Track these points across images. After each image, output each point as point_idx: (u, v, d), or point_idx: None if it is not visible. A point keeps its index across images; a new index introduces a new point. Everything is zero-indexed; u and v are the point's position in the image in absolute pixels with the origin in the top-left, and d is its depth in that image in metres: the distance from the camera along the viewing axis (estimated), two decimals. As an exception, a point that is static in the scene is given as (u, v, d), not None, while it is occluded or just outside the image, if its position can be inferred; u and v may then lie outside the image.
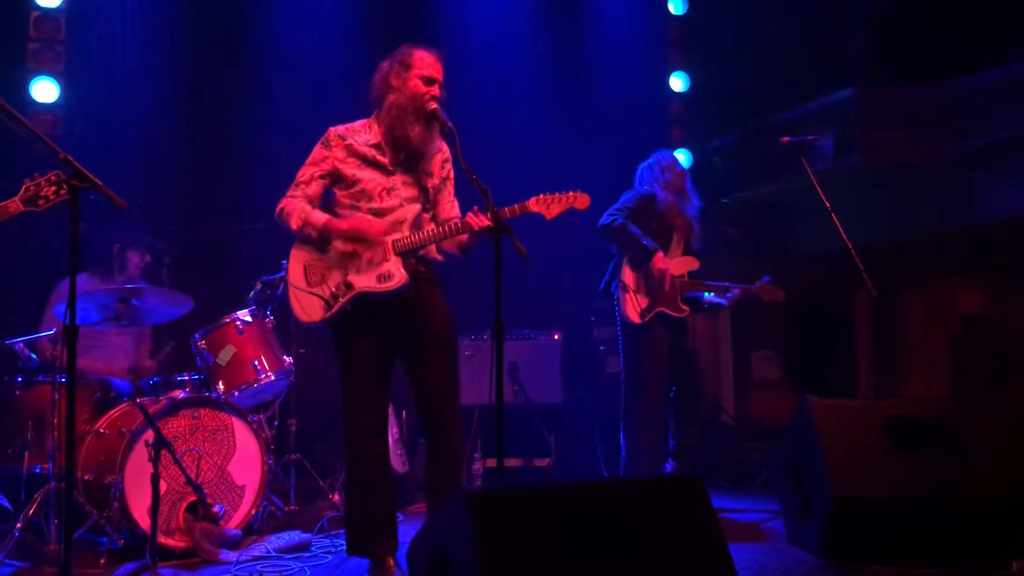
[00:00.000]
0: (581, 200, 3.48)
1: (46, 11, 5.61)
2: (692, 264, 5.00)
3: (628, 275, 4.90)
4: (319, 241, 3.48)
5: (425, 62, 3.50)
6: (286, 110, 6.10)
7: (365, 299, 3.44)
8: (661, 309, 4.87)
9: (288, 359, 4.76)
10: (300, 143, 5.85)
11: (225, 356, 4.56)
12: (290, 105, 6.10)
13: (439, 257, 3.63)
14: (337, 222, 3.46)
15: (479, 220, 3.34)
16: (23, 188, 2.95)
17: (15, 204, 2.98)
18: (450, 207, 3.66)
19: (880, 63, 6.51)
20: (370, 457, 3.50)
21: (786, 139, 4.46)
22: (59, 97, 5.60)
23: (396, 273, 3.44)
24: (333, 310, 3.45)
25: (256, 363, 4.59)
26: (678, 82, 7.02)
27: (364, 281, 3.44)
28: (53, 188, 2.94)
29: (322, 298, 3.46)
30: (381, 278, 3.42)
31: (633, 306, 4.87)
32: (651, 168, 5.10)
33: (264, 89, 6.09)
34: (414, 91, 3.47)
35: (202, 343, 4.61)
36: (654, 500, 2.56)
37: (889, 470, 3.43)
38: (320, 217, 3.47)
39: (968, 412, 3.62)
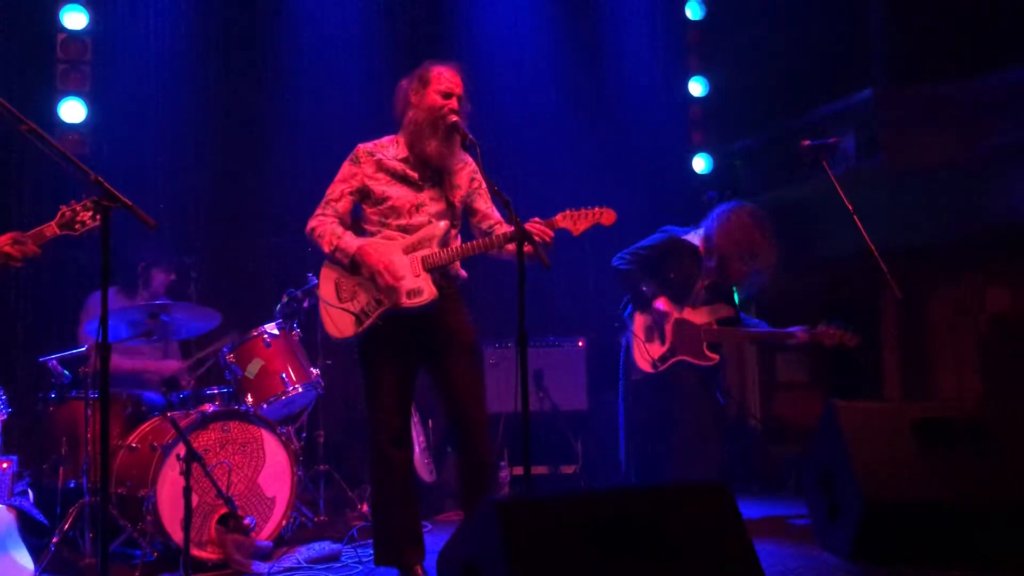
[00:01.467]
0: (607, 216, 3.50)
1: (73, 32, 5.70)
2: (724, 312, 4.83)
3: (638, 322, 4.82)
4: (349, 267, 3.51)
5: (443, 77, 3.52)
6: (311, 126, 6.16)
7: (395, 315, 3.46)
8: (683, 358, 4.75)
9: (315, 371, 4.80)
10: (325, 158, 5.91)
11: (253, 369, 4.61)
12: (315, 120, 6.15)
13: (463, 274, 3.66)
14: (367, 254, 3.45)
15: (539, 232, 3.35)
16: (59, 213, 3.03)
17: (51, 228, 3.07)
18: (491, 213, 3.68)
19: (901, 62, 6.48)
20: (395, 466, 3.53)
21: (807, 142, 4.46)
22: (86, 117, 5.68)
23: (426, 289, 3.46)
24: (364, 325, 3.47)
25: (284, 375, 4.63)
26: (697, 87, 7.03)
27: (393, 297, 3.46)
28: (89, 213, 3.03)
29: (353, 314, 3.49)
30: (411, 294, 3.45)
31: (643, 355, 4.76)
32: (716, 218, 4.80)
33: (289, 106, 6.17)
34: (431, 105, 3.49)
35: (230, 356, 4.66)
36: (682, 507, 2.56)
37: (919, 473, 3.40)
38: (351, 244, 3.49)
39: (999, 412, 3.59)
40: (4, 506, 3.79)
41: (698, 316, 4.82)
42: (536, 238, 3.32)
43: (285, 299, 4.89)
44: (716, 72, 7.06)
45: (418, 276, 3.47)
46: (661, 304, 4.76)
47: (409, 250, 3.50)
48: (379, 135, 3.69)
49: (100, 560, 2.71)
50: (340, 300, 3.52)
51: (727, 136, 7.13)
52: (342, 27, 6.33)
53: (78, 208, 3.04)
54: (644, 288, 4.78)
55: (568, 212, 3.47)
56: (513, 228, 3.31)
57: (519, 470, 5.37)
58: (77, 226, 3.04)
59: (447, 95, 3.50)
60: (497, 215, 3.68)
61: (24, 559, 3.60)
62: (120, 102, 5.84)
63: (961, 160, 6.01)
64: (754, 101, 7.07)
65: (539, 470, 5.82)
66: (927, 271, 6.55)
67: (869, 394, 6.67)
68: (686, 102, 7.01)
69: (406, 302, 3.45)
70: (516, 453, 5.65)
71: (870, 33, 6.64)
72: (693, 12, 7.05)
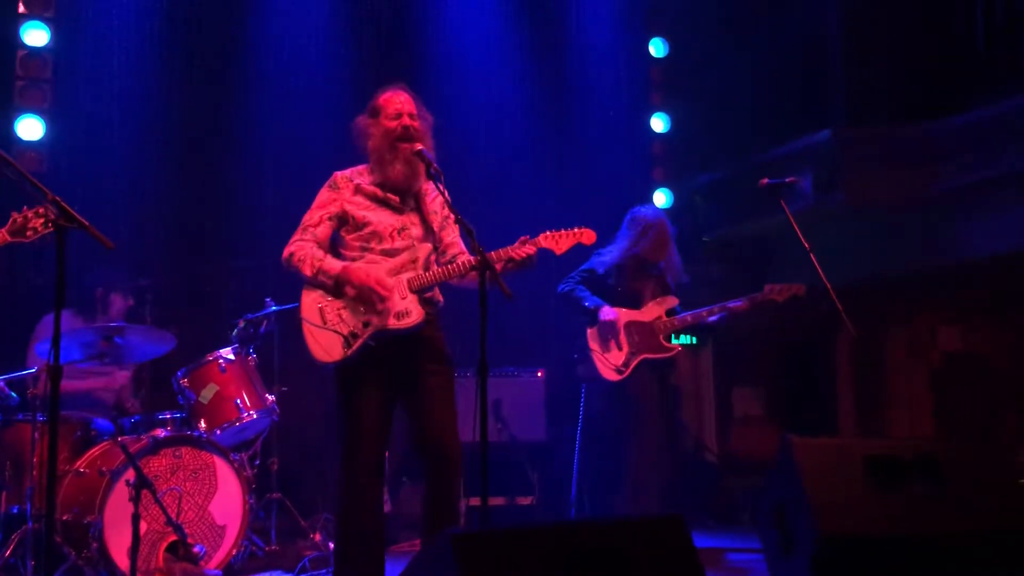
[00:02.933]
0: (588, 236, 3.52)
1: (33, 49, 5.63)
2: (670, 303, 5.06)
3: (591, 337, 4.96)
4: (333, 289, 3.46)
5: (391, 100, 3.57)
6: (273, 148, 6.13)
7: (383, 337, 3.41)
8: (644, 356, 4.91)
9: (271, 397, 4.74)
10: (287, 182, 5.94)
11: (207, 394, 4.53)
12: (277, 142, 6.13)
13: (441, 300, 3.64)
14: (352, 272, 3.41)
15: (519, 251, 3.40)
16: (11, 220, 2.95)
17: (2, 235, 2.98)
18: (456, 242, 3.69)
19: (858, 103, 6.64)
20: (371, 497, 3.45)
21: (766, 180, 4.53)
22: (44, 135, 5.61)
23: (414, 310, 3.43)
24: (354, 347, 3.39)
25: (238, 401, 4.57)
26: (659, 122, 7.13)
27: (382, 319, 3.42)
28: (41, 220, 2.94)
29: (341, 335, 3.42)
30: (399, 315, 3.41)
31: (605, 365, 4.90)
32: (628, 225, 5.14)
33: (251, 127, 6.12)
34: (386, 129, 3.54)
35: (184, 381, 4.58)
36: (637, 539, 2.56)
37: (873, 509, 3.43)
38: (334, 265, 3.45)
39: (950, 449, 3.64)
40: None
41: (646, 314, 4.98)
42: (516, 256, 3.37)
43: (242, 324, 4.83)
44: (678, 108, 7.17)
45: (404, 299, 3.44)
46: (605, 314, 4.89)
47: (393, 273, 3.47)
48: (343, 157, 3.70)
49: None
50: (325, 323, 3.44)
51: (688, 172, 7.23)
52: (307, 48, 6.34)
53: (30, 215, 2.94)
54: (586, 303, 4.93)
55: (550, 233, 3.49)
56: (477, 257, 3.31)
57: (475, 501, 5.33)
58: (29, 233, 2.93)
59: (397, 115, 3.54)
60: (461, 245, 3.69)
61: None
62: (80, 120, 5.78)
63: (916, 200, 6.15)
64: (715, 138, 7.18)
65: (496, 501, 5.78)
66: (882, 308, 6.66)
67: (825, 429, 6.74)
68: (648, 138, 7.10)
69: (395, 324, 3.41)
70: (473, 483, 5.61)
71: (829, 74, 6.80)
72: (656, 49, 7.17)
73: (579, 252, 4.74)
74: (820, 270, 4.23)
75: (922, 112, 6.21)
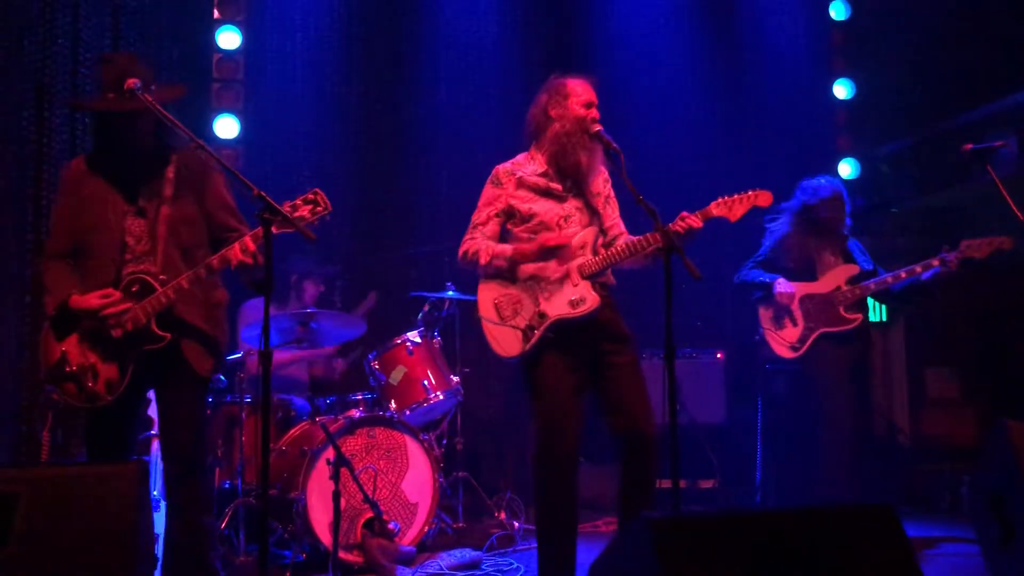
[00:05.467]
0: (764, 197, 3.37)
1: (227, 52, 5.98)
2: (850, 271, 4.83)
3: (763, 315, 4.86)
4: (509, 269, 3.48)
5: (580, 88, 3.55)
6: (447, 140, 6.30)
7: (561, 326, 3.41)
8: (823, 330, 4.72)
9: (455, 379, 4.86)
10: (461, 172, 6.07)
11: (397, 376, 4.70)
12: (451, 135, 6.29)
13: (613, 281, 3.61)
14: (524, 245, 3.45)
15: (686, 223, 3.32)
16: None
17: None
18: (616, 226, 3.65)
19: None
20: (567, 486, 3.43)
21: (970, 146, 4.21)
22: (239, 133, 5.96)
23: (588, 296, 3.42)
24: (532, 341, 3.40)
25: (426, 383, 4.71)
26: (842, 89, 6.79)
27: (557, 308, 3.42)
28: (308, 207, 3.06)
29: (519, 329, 3.43)
30: (574, 303, 3.41)
31: (779, 343, 4.78)
32: (798, 195, 4.98)
33: (426, 119, 6.32)
34: (576, 117, 3.50)
35: (375, 363, 4.77)
36: (846, 529, 2.44)
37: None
38: (507, 247, 3.49)
39: None
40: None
41: (823, 285, 4.79)
42: (681, 229, 3.28)
43: (426, 308, 4.99)
44: (862, 74, 6.80)
45: (577, 285, 3.43)
46: (780, 286, 4.75)
47: (563, 261, 3.46)
48: (513, 146, 3.71)
49: (260, 562, 2.81)
50: (502, 319, 3.47)
51: (874, 140, 6.86)
52: (479, 39, 6.45)
53: (298, 202, 3.06)
54: (762, 278, 4.82)
55: (722, 200, 3.37)
56: (661, 238, 3.25)
57: (664, 483, 5.28)
58: (297, 219, 3.02)
59: (588, 105, 3.51)
60: (621, 225, 3.64)
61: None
62: (269, 118, 6.10)
63: None
64: (902, 103, 6.78)
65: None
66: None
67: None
68: (831, 105, 6.78)
69: (571, 312, 3.40)
70: (660, 466, 5.57)
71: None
72: (838, 12, 6.82)
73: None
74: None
75: None
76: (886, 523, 2.51)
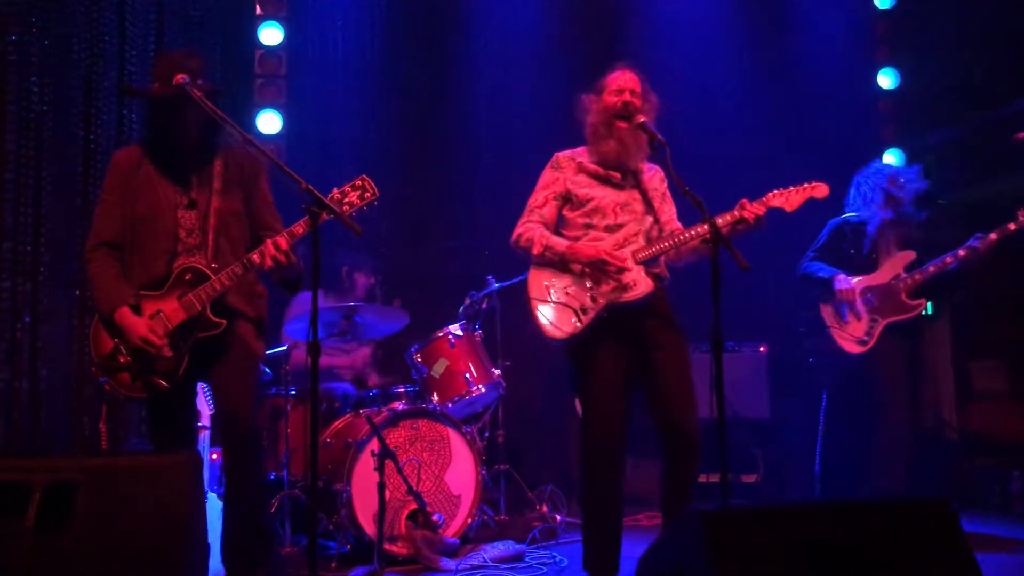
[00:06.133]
0: (820, 190, 3.40)
1: (269, 48, 6.04)
2: (907, 258, 4.75)
3: (825, 312, 4.76)
4: (560, 265, 3.49)
5: (616, 79, 3.56)
6: (489, 133, 6.32)
7: (613, 310, 3.40)
8: (889, 320, 4.64)
9: (497, 372, 4.87)
10: (503, 168, 6.07)
11: (439, 369, 4.72)
12: (492, 128, 6.31)
13: (667, 275, 3.59)
14: (579, 249, 3.43)
15: (750, 211, 3.33)
16: (329, 196, 3.03)
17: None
18: (671, 221, 3.64)
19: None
20: (615, 474, 3.44)
21: (1022, 135, 4.13)
22: (282, 128, 6.01)
23: (641, 281, 3.41)
24: (585, 322, 3.39)
25: (468, 375, 4.72)
26: (887, 79, 6.69)
27: (610, 292, 3.41)
28: (357, 193, 3.09)
29: (572, 309, 3.42)
30: (627, 287, 3.41)
31: (846, 339, 4.69)
32: (863, 184, 4.89)
33: (468, 113, 6.33)
34: (605, 106, 3.52)
35: (417, 356, 4.79)
36: (901, 524, 2.42)
37: None
38: (561, 243, 3.48)
39: None
40: (215, 494, 4.05)
41: (882, 275, 4.72)
42: (749, 216, 3.29)
43: (468, 301, 5.00)
44: (907, 63, 6.69)
45: (631, 270, 3.41)
46: (839, 283, 4.67)
47: (617, 247, 3.45)
48: (557, 141, 3.72)
49: (309, 552, 2.83)
50: (555, 298, 3.46)
51: (919, 130, 6.75)
52: (523, 36, 6.44)
53: (347, 189, 3.10)
54: (821, 274, 4.73)
55: (779, 191, 3.39)
56: (709, 228, 3.23)
57: (712, 477, 5.25)
58: (346, 207, 3.07)
59: (619, 92, 3.52)
60: (677, 223, 3.62)
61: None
62: (311, 113, 6.14)
63: None
64: (948, 93, 6.65)
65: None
66: None
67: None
68: (875, 95, 6.68)
69: (624, 296, 3.40)
70: (706, 460, 5.56)
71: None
72: (881, 1, 6.72)
73: (808, 218, 4.56)
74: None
75: None
76: (943, 518, 2.48)
